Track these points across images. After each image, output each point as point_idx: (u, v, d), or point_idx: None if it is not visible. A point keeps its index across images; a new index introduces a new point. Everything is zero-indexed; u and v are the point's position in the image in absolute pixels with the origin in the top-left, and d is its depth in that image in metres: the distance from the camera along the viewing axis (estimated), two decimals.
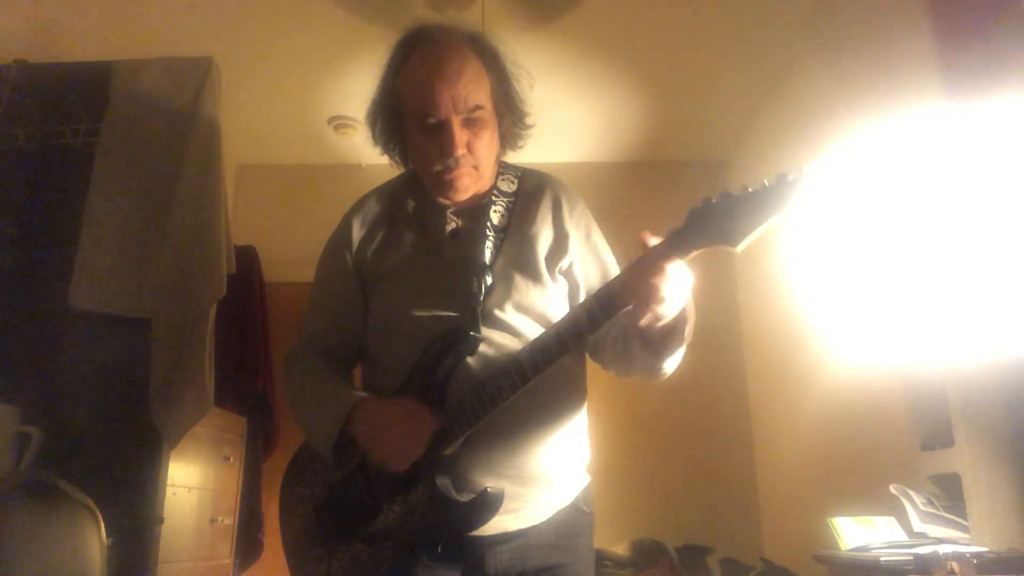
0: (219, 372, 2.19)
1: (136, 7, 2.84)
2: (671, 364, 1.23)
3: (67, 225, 2.18)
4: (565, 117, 3.67)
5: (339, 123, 3.68)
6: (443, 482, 1.18)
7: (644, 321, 1.06)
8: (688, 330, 1.17)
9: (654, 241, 1.06)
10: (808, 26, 2.95)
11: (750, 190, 0.96)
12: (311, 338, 1.42)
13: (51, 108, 2.30)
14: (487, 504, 1.16)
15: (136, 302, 2.12)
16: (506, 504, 1.19)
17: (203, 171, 2.21)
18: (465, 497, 1.18)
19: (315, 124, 3.72)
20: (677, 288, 1.05)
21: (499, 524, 1.19)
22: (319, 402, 1.31)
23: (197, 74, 2.30)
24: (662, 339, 1.16)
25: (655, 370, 1.24)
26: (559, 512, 1.26)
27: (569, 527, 1.27)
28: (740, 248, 0.98)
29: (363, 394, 1.26)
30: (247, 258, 3.53)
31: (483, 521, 1.17)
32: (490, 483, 1.19)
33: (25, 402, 2.01)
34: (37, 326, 2.15)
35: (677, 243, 1.02)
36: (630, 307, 1.07)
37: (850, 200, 2.39)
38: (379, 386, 1.32)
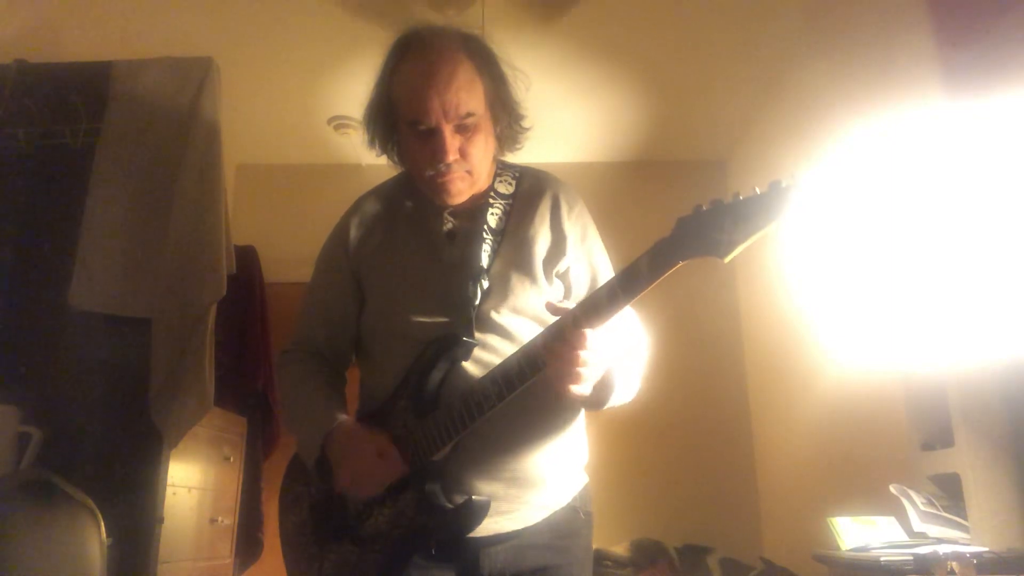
0: (219, 372, 2.19)
1: (136, 7, 2.84)
2: (617, 402, 1.24)
3: (67, 225, 2.18)
4: (565, 117, 3.67)
5: (339, 123, 3.68)
6: (431, 487, 1.18)
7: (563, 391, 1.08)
8: (618, 382, 1.18)
9: (565, 304, 1.08)
10: (808, 25, 2.95)
11: (741, 198, 0.94)
12: (304, 338, 1.42)
13: (51, 108, 2.30)
14: (473, 511, 1.17)
15: (136, 302, 2.12)
16: (500, 505, 1.20)
17: (203, 171, 2.21)
18: (457, 500, 1.18)
19: (315, 124, 3.72)
20: (591, 366, 1.06)
21: (493, 525, 1.20)
22: (303, 416, 1.32)
23: (197, 74, 2.31)
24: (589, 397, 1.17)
25: (598, 409, 1.26)
26: (555, 513, 1.26)
27: (565, 528, 1.26)
28: (728, 259, 0.96)
29: (341, 418, 1.26)
30: (247, 258, 3.53)
31: (470, 528, 1.17)
32: (484, 485, 1.19)
33: (25, 402, 2.01)
34: (37, 326, 2.15)
35: (656, 262, 1.01)
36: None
37: (849, 200, 2.39)
38: (374, 388, 1.32)
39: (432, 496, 1.18)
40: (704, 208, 0.98)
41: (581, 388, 1.07)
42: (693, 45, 3.18)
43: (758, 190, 0.93)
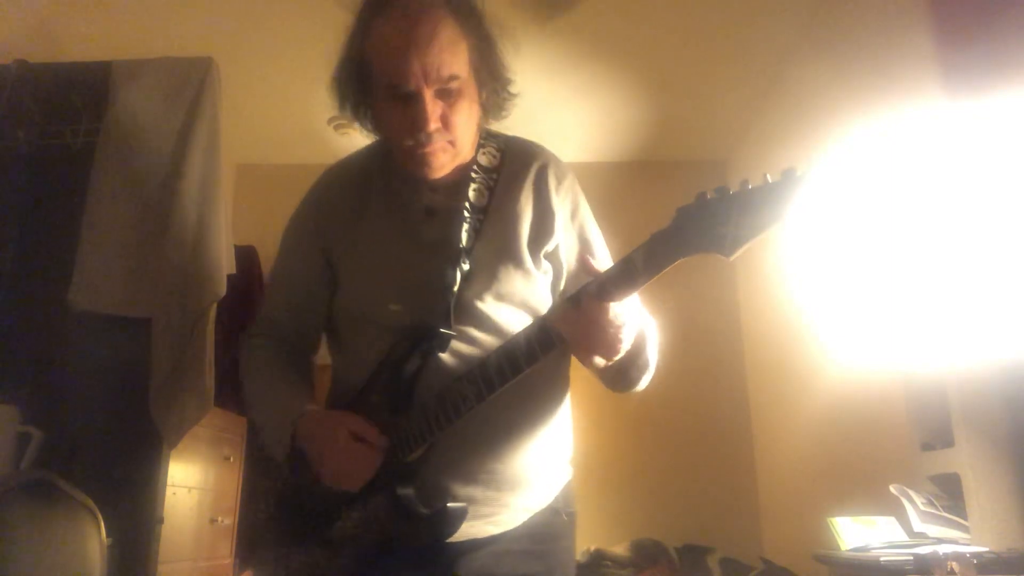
0: (219, 372, 2.19)
1: (136, 7, 2.84)
2: (641, 384, 1.18)
3: (67, 225, 2.18)
4: (565, 117, 3.67)
5: (339, 123, 3.68)
6: (404, 492, 1.09)
7: (588, 363, 1.02)
8: (646, 355, 1.12)
9: (602, 265, 0.98)
10: (808, 25, 2.95)
11: (751, 187, 0.83)
12: (268, 322, 1.32)
13: (51, 108, 2.30)
14: (448, 519, 1.08)
15: (136, 302, 2.12)
16: (479, 509, 1.12)
17: (203, 171, 2.21)
18: (434, 503, 1.09)
19: (315, 124, 3.72)
20: (618, 333, 0.97)
21: (471, 530, 1.11)
22: (268, 408, 1.22)
23: (197, 74, 2.30)
24: (617, 371, 1.12)
25: (622, 391, 1.20)
26: (536, 515, 1.17)
27: (546, 532, 1.18)
28: (733, 257, 0.84)
29: (308, 408, 1.16)
30: (247, 258, 3.53)
31: (445, 536, 1.08)
32: (461, 488, 1.11)
33: (25, 402, 2.01)
34: (37, 326, 2.14)
35: (652, 258, 0.90)
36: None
37: (850, 199, 2.39)
38: (346, 379, 1.23)
39: (405, 501, 1.09)
40: (709, 197, 0.86)
41: (610, 353, 1.00)
42: (693, 45, 3.18)
43: (769, 178, 0.82)
